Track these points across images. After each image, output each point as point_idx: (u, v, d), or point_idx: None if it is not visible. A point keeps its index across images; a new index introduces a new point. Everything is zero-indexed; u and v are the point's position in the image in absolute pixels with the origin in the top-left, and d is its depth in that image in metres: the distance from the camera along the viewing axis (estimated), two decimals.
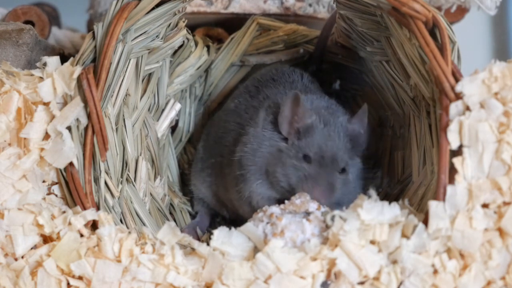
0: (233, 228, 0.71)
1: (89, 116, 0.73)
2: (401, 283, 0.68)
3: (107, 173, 0.76)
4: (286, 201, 0.77)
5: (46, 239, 0.72)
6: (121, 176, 0.80)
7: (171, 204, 0.94)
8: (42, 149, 0.73)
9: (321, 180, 0.78)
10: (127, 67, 0.80)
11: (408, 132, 0.86)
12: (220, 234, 0.70)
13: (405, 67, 0.80)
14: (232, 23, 1.02)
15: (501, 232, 0.68)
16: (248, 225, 0.72)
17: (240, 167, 0.84)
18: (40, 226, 0.72)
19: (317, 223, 0.72)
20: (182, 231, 0.73)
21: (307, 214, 0.74)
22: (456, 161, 0.68)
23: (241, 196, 0.85)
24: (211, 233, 0.71)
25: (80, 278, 0.70)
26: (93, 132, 0.73)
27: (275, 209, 0.75)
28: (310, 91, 0.90)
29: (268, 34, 0.99)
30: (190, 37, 0.93)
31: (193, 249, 0.71)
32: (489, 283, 0.68)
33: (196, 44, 0.95)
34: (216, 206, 0.95)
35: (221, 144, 0.90)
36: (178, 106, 0.96)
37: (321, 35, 0.97)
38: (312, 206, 0.76)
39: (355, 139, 0.82)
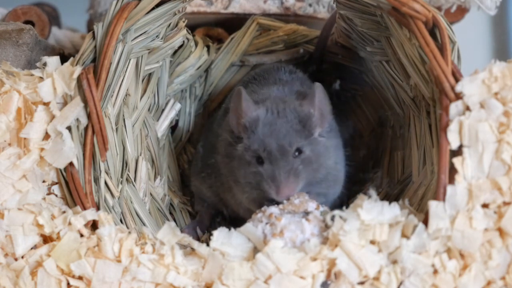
0: (232, 229, 0.71)
1: (89, 116, 0.73)
2: (401, 283, 0.68)
3: (107, 173, 0.76)
4: (284, 201, 0.77)
5: (46, 239, 0.72)
6: (121, 176, 0.80)
7: (171, 204, 0.93)
8: (42, 149, 0.73)
9: (278, 177, 0.77)
10: (127, 67, 0.80)
11: (408, 132, 0.86)
12: (220, 234, 0.70)
13: (405, 67, 0.80)
14: (232, 23, 1.02)
15: (501, 232, 0.68)
16: (248, 226, 0.72)
17: (225, 174, 0.85)
18: (40, 226, 0.72)
19: (317, 223, 0.72)
20: (182, 231, 0.73)
21: (306, 214, 0.74)
22: (456, 161, 0.68)
23: (236, 200, 0.85)
24: (211, 233, 0.71)
25: (80, 278, 0.70)
26: (93, 132, 0.73)
27: (274, 209, 0.75)
28: (285, 83, 0.89)
29: (268, 34, 0.99)
30: (190, 37, 0.93)
31: (193, 249, 0.71)
32: (489, 283, 0.68)
33: (196, 44, 0.95)
34: (216, 205, 0.95)
35: (216, 147, 0.90)
36: (178, 106, 0.96)
37: (321, 35, 0.97)
38: (311, 205, 0.76)
39: (307, 119, 0.79)
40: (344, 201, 0.94)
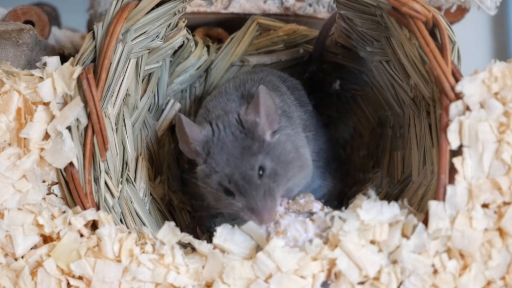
0: (236, 226, 0.71)
1: (89, 116, 0.73)
2: (401, 283, 0.68)
3: (107, 173, 0.76)
4: (290, 201, 0.77)
5: (46, 239, 0.72)
6: (121, 176, 0.80)
7: (171, 204, 0.93)
8: (42, 149, 0.73)
9: (255, 207, 0.73)
10: (127, 67, 0.80)
11: (408, 132, 0.86)
12: (223, 231, 0.70)
13: (405, 67, 0.80)
14: (232, 23, 1.02)
15: (501, 232, 0.68)
16: (251, 223, 0.72)
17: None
18: (40, 226, 0.72)
19: (320, 223, 0.72)
20: (182, 231, 0.73)
21: (311, 214, 0.74)
22: (456, 161, 0.68)
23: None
24: (211, 233, 0.71)
25: (80, 278, 0.70)
26: (93, 132, 0.73)
27: (279, 208, 0.75)
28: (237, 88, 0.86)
29: (268, 34, 0.99)
30: (190, 37, 0.93)
31: (193, 249, 0.71)
32: (489, 283, 0.68)
33: (196, 44, 0.95)
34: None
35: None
36: (178, 106, 0.96)
37: (320, 35, 0.97)
38: (316, 206, 0.76)
39: (254, 129, 0.76)
40: (344, 201, 0.94)
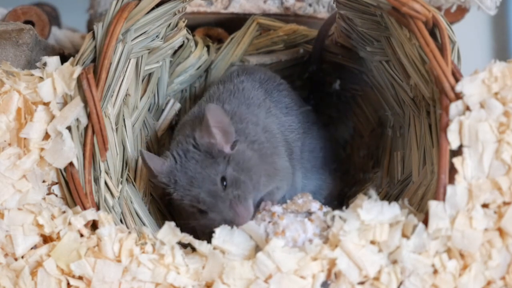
0: (235, 227, 0.71)
1: (89, 116, 0.73)
2: (401, 283, 0.68)
3: (107, 173, 0.76)
4: (288, 201, 0.77)
5: (46, 239, 0.72)
6: (121, 176, 0.80)
7: (171, 204, 0.93)
8: (42, 149, 0.73)
9: (229, 216, 0.76)
10: (127, 67, 0.80)
11: (408, 132, 0.86)
12: (222, 232, 0.70)
13: (405, 67, 0.80)
14: (232, 23, 1.02)
15: (501, 232, 0.68)
16: (250, 224, 0.72)
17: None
18: (40, 226, 0.72)
19: (319, 223, 0.72)
20: (182, 231, 0.73)
21: (309, 214, 0.74)
22: (456, 161, 0.68)
23: None
24: (211, 233, 0.71)
25: (80, 278, 0.70)
26: (93, 132, 0.73)
27: (277, 208, 0.75)
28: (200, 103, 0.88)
29: (268, 34, 0.99)
30: (190, 37, 0.93)
31: (193, 249, 0.71)
32: (489, 283, 0.68)
33: (196, 44, 0.95)
34: None
35: None
36: (178, 106, 0.96)
37: (319, 35, 0.97)
38: (314, 206, 0.76)
39: (211, 150, 0.78)
40: (344, 201, 0.94)
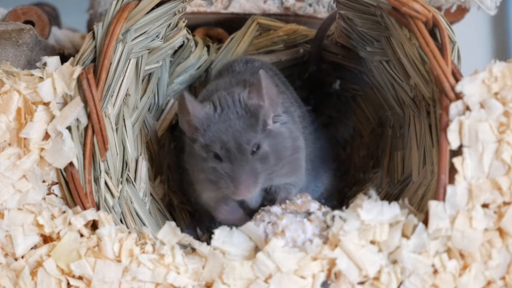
0: (234, 228, 0.71)
1: (89, 116, 0.73)
2: (401, 283, 0.68)
3: (107, 173, 0.76)
4: (287, 201, 0.77)
5: (46, 239, 0.72)
6: (121, 176, 0.80)
7: (171, 204, 0.93)
8: (42, 149, 0.73)
9: (238, 177, 0.75)
10: (127, 67, 0.80)
11: (408, 132, 0.86)
12: (221, 233, 0.71)
13: (405, 67, 0.80)
14: (232, 23, 1.02)
15: (501, 232, 0.68)
16: (249, 225, 0.72)
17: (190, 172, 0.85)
18: (40, 226, 0.72)
19: (318, 223, 0.72)
20: (182, 231, 0.73)
21: (308, 214, 0.74)
22: (456, 161, 0.68)
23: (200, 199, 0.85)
24: (211, 233, 0.71)
25: (80, 278, 0.70)
26: (93, 132, 0.73)
27: (276, 208, 0.75)
28: (236, 74, 0.88)
29: (268, 34, 0.99)
30: (190, 37, 0.93)
31: (193, 249, 0.71)
32: (489, 283, 0.68)
33: (196, 44, 0.95)
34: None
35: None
36: None
37: (317, 34, 0.97)
38: (313, 206, 0.76)
39: (257, 112, 0.78)
40: (344, 201, 0.94)
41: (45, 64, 0.75)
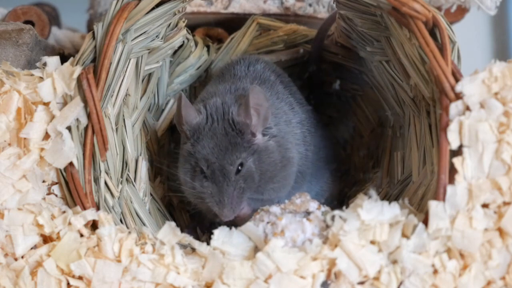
0: (233, 228, 0.71)
1: (89, 116, 0.73)
2: (401, 283, 0.68)
3: (107, 173, 0.76)
4: (286, 201, 0.77)
5: (46, 239, 0.72)
6: (121, 176, 0.80)
7: (171, 204, 0.93)
8: (42, 149, 0.73)
9: (221, 200, 0.78)
10: (127, 67, 0.80)
11: (408, 132, 0.86)
12: (221, 233, 0.70)
13: (405, 67, 0.80)
14: (232, 23, 1.02)
15: (501, 232, 0.68)
16: (249, 225, 0.72)
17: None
18: (40, 226, 0.72)
19: (318, 223, 0.72)
20: (182, 231, 0.73)
21: (308, 213, 0.74)
22: (456, 161, 0.68)
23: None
24: (211, 233, 0.71)
25: (80, 278, 0.70)
26: (93, 132, 0.73)
27: (275, 208, 0.75)
28: (237, 79, 0.88)
29: (268, 34, 0.99)
30: (190, 37, 0.93)
31: (193, 249, 0.71)
32: (489, 283, 0.68)
33: (196, 44, 0.95)
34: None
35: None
36: None
37: (317, 35, 0.97)
38: (313, 205, 0.76)
39: (244, 130, 0.79)
40: (344, 201, 0.94)
41: (45, 64, 0.75)
